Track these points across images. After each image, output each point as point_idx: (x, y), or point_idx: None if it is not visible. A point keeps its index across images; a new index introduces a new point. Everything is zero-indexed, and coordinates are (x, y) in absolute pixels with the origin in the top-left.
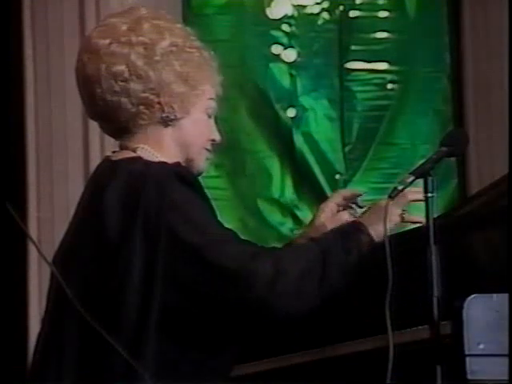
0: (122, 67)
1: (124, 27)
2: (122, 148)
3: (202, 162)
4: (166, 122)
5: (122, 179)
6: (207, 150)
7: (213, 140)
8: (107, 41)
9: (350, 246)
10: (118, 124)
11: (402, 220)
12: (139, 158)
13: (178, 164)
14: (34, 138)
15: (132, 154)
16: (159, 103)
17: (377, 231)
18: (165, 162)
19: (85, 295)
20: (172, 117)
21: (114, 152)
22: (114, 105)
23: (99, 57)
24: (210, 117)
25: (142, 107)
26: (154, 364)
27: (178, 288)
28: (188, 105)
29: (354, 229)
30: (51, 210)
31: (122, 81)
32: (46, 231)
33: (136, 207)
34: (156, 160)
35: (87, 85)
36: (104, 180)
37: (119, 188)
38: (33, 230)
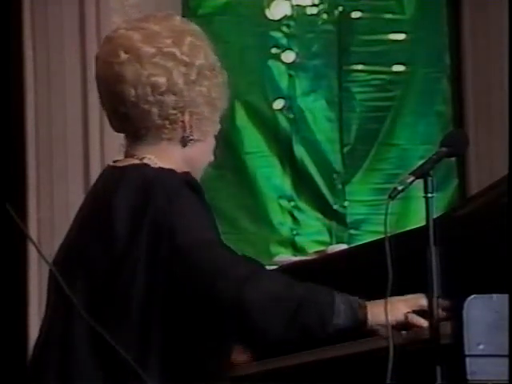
0: (162, 80)
1: (169, 40)
2: (128, 156)
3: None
4: (184, 142)
5: (131, 183)
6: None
7: (209, 161)
8: (152, 50)
9: (342, 310)
10: (139, 130)
11: (406, 319)
12: (147, 165)
13: (187, 173)
14: (33, 138)
15: (139, 162)
16: (183, 122)
17: (374, 317)
18: (174, 170)
19: (91, 297)
20: (190, 137)
21: (116, 161)
22: (144, 112)
23: (141, 63)
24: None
25: (167, 122)
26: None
27: (169, 284)
28: (207, 129)
29: (357, 303)
30: (51, 210)
31: (158, 93)
32: (45, 232)
33: (144, 212)
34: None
35: (119, 84)
36: (111, 184)
37: (128, 191)
38: (33, 230)
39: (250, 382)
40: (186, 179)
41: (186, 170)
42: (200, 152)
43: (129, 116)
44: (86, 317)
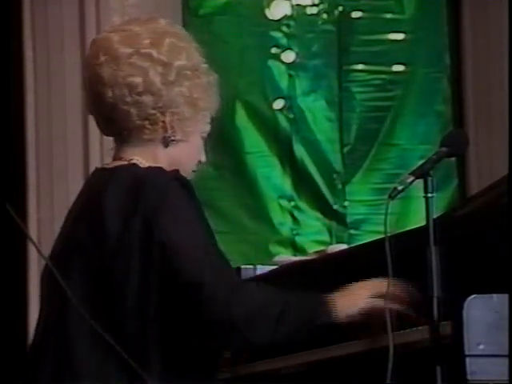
0: (138, 80)
1: (147, 40)
2: (115, 159)
3: None
4: (166, 142)
5: (121, 182)
6: (193, 170)
7: (199, 161)
8: (129, 50)
9: (315, 314)
10: (121, 131)
11: (369, 305)
12: (136, 165)
13: (176, 170)
14: (33, 138)
15: (127, 163)
16: (163, 122)
17: (341, 312)
18: (163, 168)
19: (87, 291)
20: (172, 138)
21: (104, 164)
22: (123, 113)
23: (118, 64)
24: (203, 139)
25: (146, 122)
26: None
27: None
28: (189, 129)
29: (326, 305)
30: (51, 210)
31: (135, 93)
32: (45, 232)
33: (135, 210)
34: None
35: (98, 85)
36: (101, 184)
37: (118, 190)
38: (33, 230)
39: (250, 382)
40: (176, 177)
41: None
42: (184, 152)
43: (110, 118)
44: (85, 316)
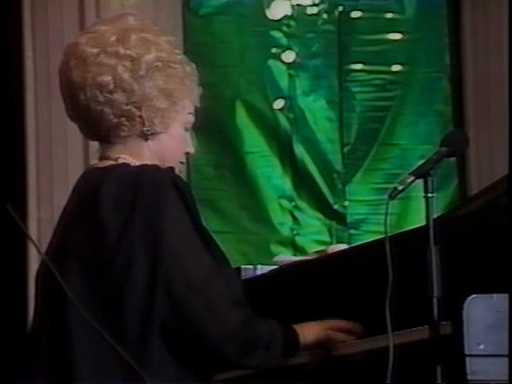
0: (108, 78)
1: (113, 38)
2: (102, 158)
3: None
4: (145, 136)
5: (115, 179)
6: (181, 162)
7: (187, 153)
8: (95, 50)
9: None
10: (99, 132)
11: (326, 337)
12: (127, 165)
13: (171, 169)
14: (34, 138)
15: (116, 162)
16: (140, 117)
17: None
18: (159, 166)
19: (82, 294)
20: (152, 131)
21: (92, 164)
22: (97, 114)
23: (86, 65)
24: (186, 130)
25: (123, 119)
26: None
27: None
28: (168, 120)
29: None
30: (51, 210)
31: (106, 92)
32: (45, 232)
33: (133, 207)
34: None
35: (71, 90)
36: (95, 182)
37: (114, 187)
38: (33, 230)
39: (250, 382)
40: (172, 177)
41: (157, 163)
42: (167, 144)
43: (86, 120)
44: (85, 315)
